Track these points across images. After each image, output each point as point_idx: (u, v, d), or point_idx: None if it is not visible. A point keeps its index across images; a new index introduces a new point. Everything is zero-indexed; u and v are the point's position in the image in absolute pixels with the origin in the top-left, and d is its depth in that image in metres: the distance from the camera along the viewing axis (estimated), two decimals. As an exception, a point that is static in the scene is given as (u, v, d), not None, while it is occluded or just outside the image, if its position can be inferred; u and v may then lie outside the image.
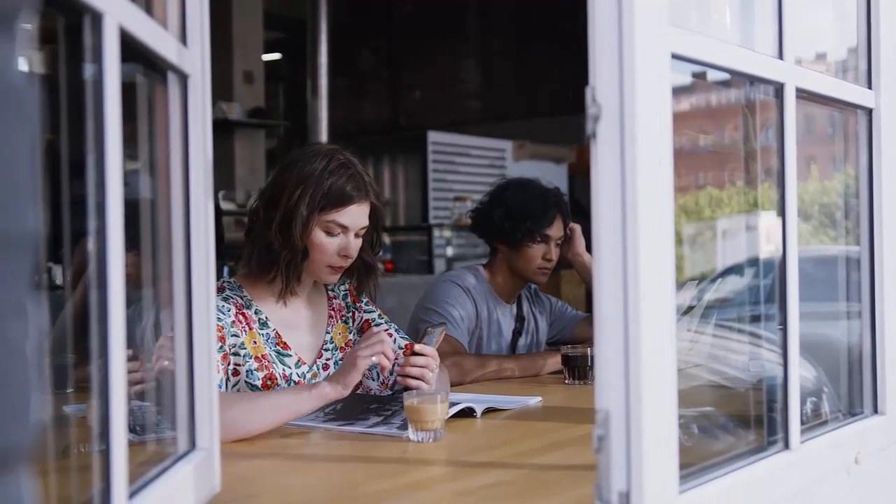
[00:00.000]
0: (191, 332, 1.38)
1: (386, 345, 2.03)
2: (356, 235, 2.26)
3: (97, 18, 1.00)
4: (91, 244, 1.02)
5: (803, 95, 1.58)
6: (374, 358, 2.00)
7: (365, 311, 2.45)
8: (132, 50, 1.13)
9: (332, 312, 2.40)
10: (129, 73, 1.11)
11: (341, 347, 2.37)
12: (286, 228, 2.19)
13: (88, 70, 1.03)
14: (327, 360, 2.34)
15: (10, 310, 0.56)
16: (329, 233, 2.22)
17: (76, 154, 1.04)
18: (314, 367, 2.30)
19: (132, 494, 1.10)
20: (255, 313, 2.24)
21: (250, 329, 2.21)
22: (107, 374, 1.02)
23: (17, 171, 0.55)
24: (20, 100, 0.56)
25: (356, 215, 2.24)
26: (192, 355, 1.38)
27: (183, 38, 1.36)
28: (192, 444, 1.38)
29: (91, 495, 1.05)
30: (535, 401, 2.36)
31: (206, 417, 1.40)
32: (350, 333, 2.41)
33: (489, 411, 2.19)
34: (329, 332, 2.37)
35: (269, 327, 2.24)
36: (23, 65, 0.57)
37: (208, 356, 1.40)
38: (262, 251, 2.22)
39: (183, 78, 1.36)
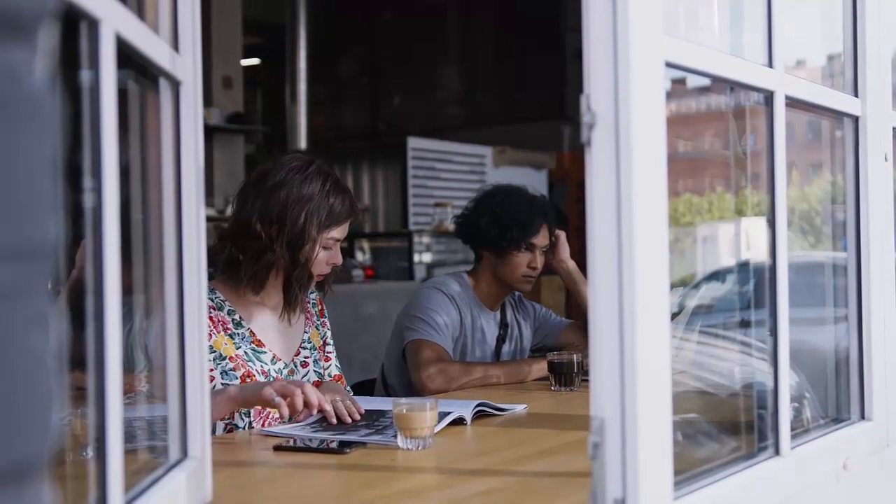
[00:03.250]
0: (182, 340, 1.37)
1: (297, 398, 1.99)
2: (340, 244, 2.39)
3: (94, 25, 1.00)
4: (87, 251, 1.02)
5: (792, 103, 1.59)
6: (277, 399, 1.97)
7: (327, 328, 2.55)
8: (125, 56, 1.12)
9: (308, 315, 2.49)
10: (120, 78, 1.10)
11: (319, 347, 2.47)
12: (294, 250, 2.27)
13: (84, 76, 1.02)
14: (305, 357, 2.42)
15: (33, 319, 0.55)
16: (325, 248, 2.32)
17: (70, 160, 1.03)
18: (291, 364, 2.38)
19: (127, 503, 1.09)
20: (228, 314, 2.29)
21: (219, 332, 2.25)
22: (103, 383, 1.01)
23: (39, 181, 0.55)
24: (42, 109, 0.55)
25: (347, 228, 2.37)
26: (184, 364, 1.37)
27: (175, 45, 1.35)
28: (184, 453, 1.37)
29: (86, 505, 1.04)
30: (521, 408, 2.36)
31: (197, 426, 1.39)
32: (321, 338, 2.51)
33: (479, 416, 2.19)
34: (307, 332, 2.45)
35: (243, 327, 2.30)
36: (42, 74, 0.57)
37: (200, 365, 1.39)
38: (264, 269, 2.28)
39: (175, 84, 1.35)
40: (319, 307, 2.55)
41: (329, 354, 2.53)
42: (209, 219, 6.75)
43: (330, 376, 2.43)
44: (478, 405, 2.20)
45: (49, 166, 0.56)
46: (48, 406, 0.57)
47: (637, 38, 1.17)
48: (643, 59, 1.18)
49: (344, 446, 1.87)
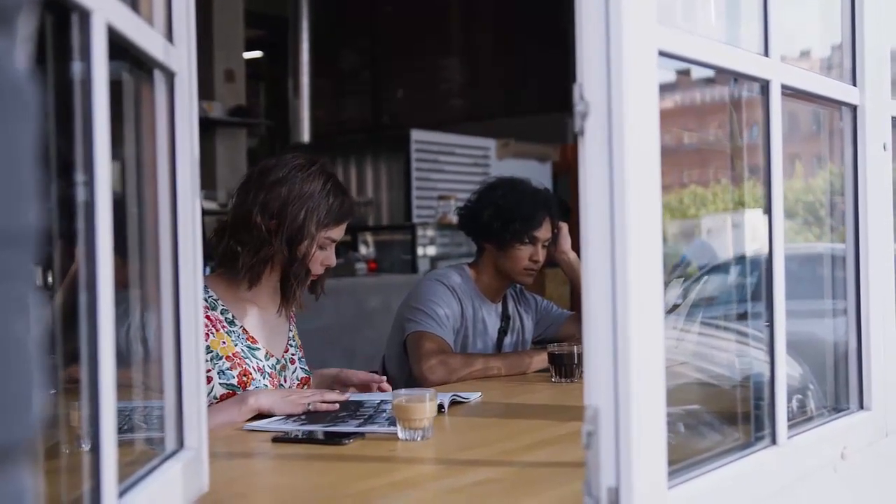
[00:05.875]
0: (178, 332, 1.38)
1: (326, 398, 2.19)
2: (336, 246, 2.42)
3: (85, 16, 1.00)
4: (79, 244, 1.02)
5: (789, 92, 1.59)
6: (310, 407, 2.15)
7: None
8: (119, 47, 1.12)
9: (292, 314, 2.52)
10: (114, 70, 1.10)
11: (300, 346, 2.52)
12: (292, 245, 2.29)
13: (76, 68, 1.02)
14: (292, 355, 2.47)
15: (14, 305, 0.56)
16: (321, 247, 2.34)
17: (63, 153, 1.04)
18: (282, 360, 2.42)
19: (121, 493, 1.10)
20: (221, 313, 2.32)
21: (217, 330, 2.28)
22: (96, 375, 1.01)
23: (19, 168, 0.55)
24: (22, 97, 0.56)
25: (343, 230, 2.40)
26: (180, 355, 1.38)
27: (169, 36, 1.35)
28: (181, 444, 1.38)
29: (80, 495, 1.04)
30: (475, 396, 2.40)
31: (194, 417, 1.39)
32: (299, 338, 2.55)
33: (453, 404, 2.25)
34: (291, 331, 2.50)
35: (236, 325, 2.33)
36: (22, 62, 0.57)
37: (196, 356, 1.40)
38: (261, 263, 2.30)
39: (170, 76, 1.35)
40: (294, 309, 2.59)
41: (294, 357, 2.57)
42: (212, 212, 6.77)
43: (297, 380, 2.45)
44: (452, 401, 2.25)
45: (29, 154, 0.57)
46: (30, 392, 0.58)
47: (630, 26, 1.17)
48: (636, 48, 1.18)
49: (342, 437, 1.87)
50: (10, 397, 0.55)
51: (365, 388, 2.44)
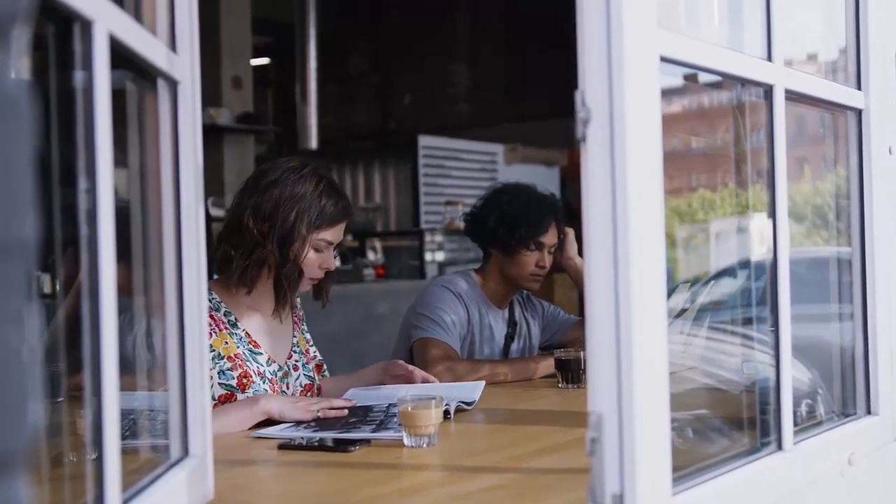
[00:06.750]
0: (182, 340, 1.38)
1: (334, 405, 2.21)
2: (335, 249, 2.40)
3: (87, 26, 1.00)
4: (82, 252, 1.02)
5: (793, 97, 1.58)
6: (319, 414, 2.15)
7: (307, 334, 2.58)
8: (121, 56, 1.12)
9: (296, 320, 2.52)
10: (118, 79, 1.11)
11: (305, 352, 2.50)
12: (284, 247, 2.29)
13: (78, 77, 1.03)
14: (296, 361, 2.46)
15: (9, 316, 0.56)
16: (317, 249, 2.34)
17: (65, 161, 1.04)
18: (285, 367, 2.41)
19: (125, 501, 1.10)
20: (225, 315, 2.33)
21: (220, 331, 2.29)
22: (99, 383, 1.01)
23: (14, 179, 0.55)
24: (16, 107, 0.56)
25: (341, 232, 2.39)
26: (185, 363, 1.38)
27: (172, 45, 1.36)
28: (185, 451, 1.38)
29: (84, 503, 1.04)
30: (479, 385, 2.43)
31: (198, 424, 1.39)
32: (307, 343, 2.54)
33: (459, 411, 2.24)
34: (295, 337, 2.49)
35: (239, 328, 2.33)
36: (18, 72, 0.57)
37: (200, 364, 1.40)
38: (254, 266, 2.30)
39: (173, 84, 1.35)
40: (301, 313, 2.58)
41: (314, 351, 2.58)
42: (219, 219, 6.76)
43: (301, 386, 2.46)
44: (457, 408, 2.24)
45: (25, 165, 0.57)
46: (24, 402, 0.58)
47: (631, 32, 1.17)
48: (637, 54, 1.18)
49: (349, 444, 1.87)
50: (5, 408, 0.55)
51: (408, 379, 2.48)
